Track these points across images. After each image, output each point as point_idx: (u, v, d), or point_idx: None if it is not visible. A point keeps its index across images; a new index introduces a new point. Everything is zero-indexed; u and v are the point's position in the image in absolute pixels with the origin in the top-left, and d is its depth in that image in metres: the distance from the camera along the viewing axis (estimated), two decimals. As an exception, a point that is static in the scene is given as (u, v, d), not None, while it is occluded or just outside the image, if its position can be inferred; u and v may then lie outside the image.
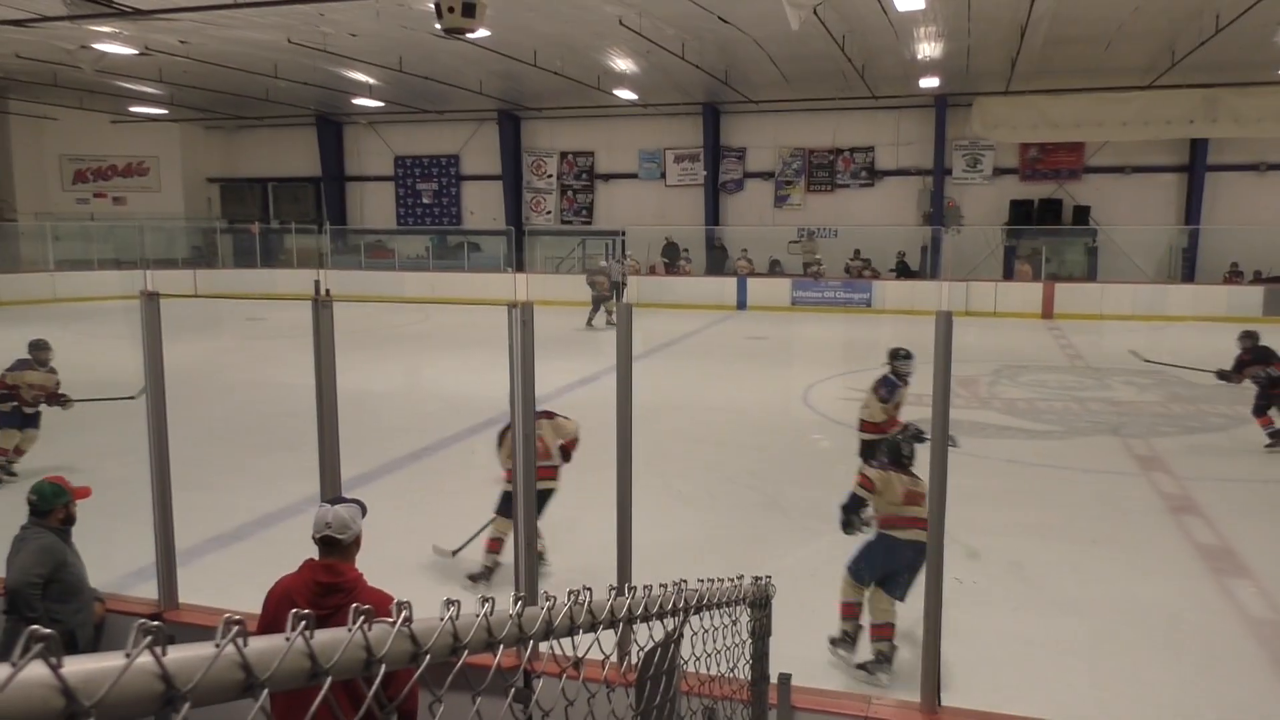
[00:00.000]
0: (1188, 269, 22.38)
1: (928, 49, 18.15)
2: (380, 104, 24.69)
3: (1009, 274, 23.16)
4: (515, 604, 1.25)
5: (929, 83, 21.00)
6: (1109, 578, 6.29)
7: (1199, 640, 5.38)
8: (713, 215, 25.64)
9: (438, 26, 12.39)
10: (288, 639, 0.83)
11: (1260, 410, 9.71)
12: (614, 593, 1.59)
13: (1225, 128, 21.33)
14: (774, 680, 2.93)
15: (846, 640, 5.07)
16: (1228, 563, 6.52)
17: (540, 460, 5.48)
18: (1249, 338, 9.85)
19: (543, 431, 6.04)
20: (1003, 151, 23.76)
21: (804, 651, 4.98)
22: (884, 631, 4.91)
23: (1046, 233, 23.15)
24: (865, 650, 4.97)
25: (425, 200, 28.75)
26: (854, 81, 20.68)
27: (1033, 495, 8.28)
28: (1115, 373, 14.11)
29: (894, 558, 4.87)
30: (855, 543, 5.28)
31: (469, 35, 13.29)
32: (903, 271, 23.69)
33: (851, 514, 5.38)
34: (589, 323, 19.56)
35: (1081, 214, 23.22)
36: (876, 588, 4.98)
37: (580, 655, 1.48)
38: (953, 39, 17.40)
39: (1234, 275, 21.71)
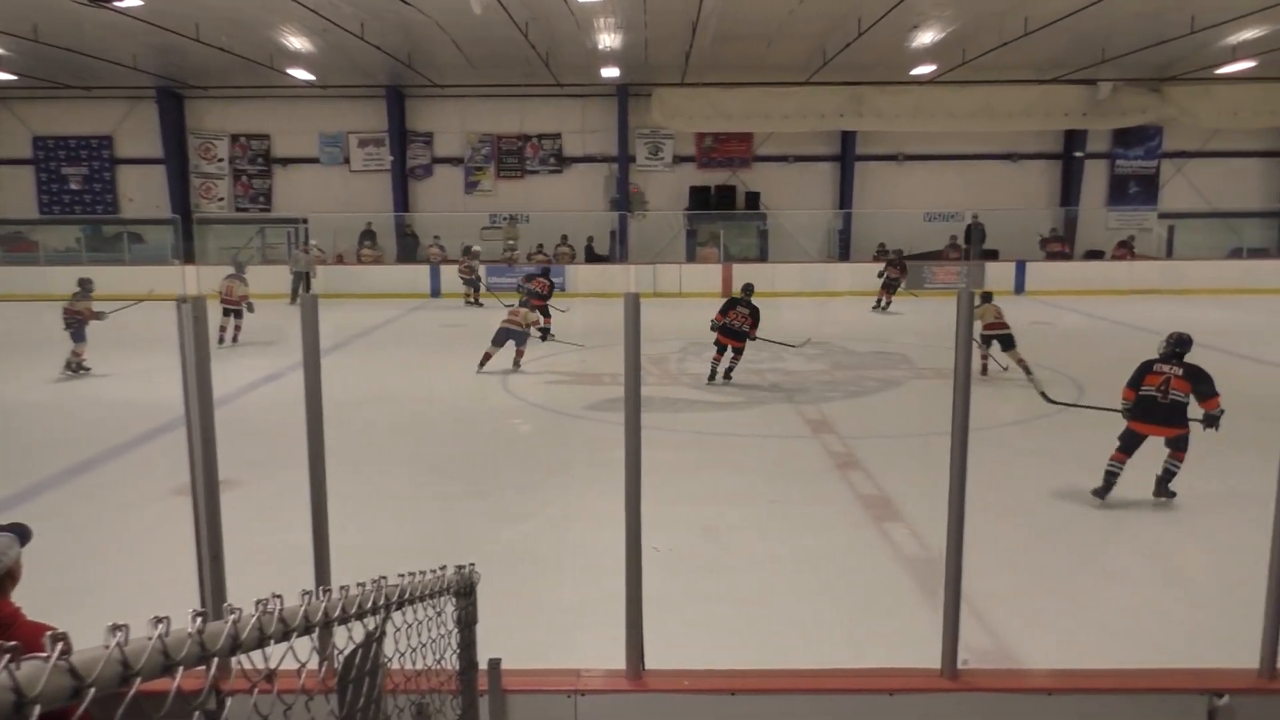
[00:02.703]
0: (844, 249, 24.82)
1: (608, 39, 18.75)
2: (12, 77, 21.75)
3: (692, 256, 24.52)
4: (195, 620, 1.16)
5: (610, 72, 21.71)
6: (787, 533, 6.87)
7: (864, 580, 6.02)
8: (402, 202, 25.02)
9: (78, -8, 11.12)
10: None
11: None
12: (308, 597, 1.51)
13: (869, 121, 23.85)
14: (484, 666, 2.93)
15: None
16: (885, 510, 7.32)
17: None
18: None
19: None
20: (681, 140, 25.08)
21: (515, 634, 5.02)
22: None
23: (723, 217, 24.75)
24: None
25: (74, 186, 25.65)
26: (539, 69, 20.98)
27: (721, 462, 8.85)
28: (785, 346, 15.36)
29: None
30: (554, 525, 5.37)
31: (117, 4, 12.05)
32: (590, 256, 24.41)
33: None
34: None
35: (753, 199, 25.04)
36: None
37: (274, 667, 1.40)
38: (631, 31, 18.09)
39: (880, 254, 24.32)
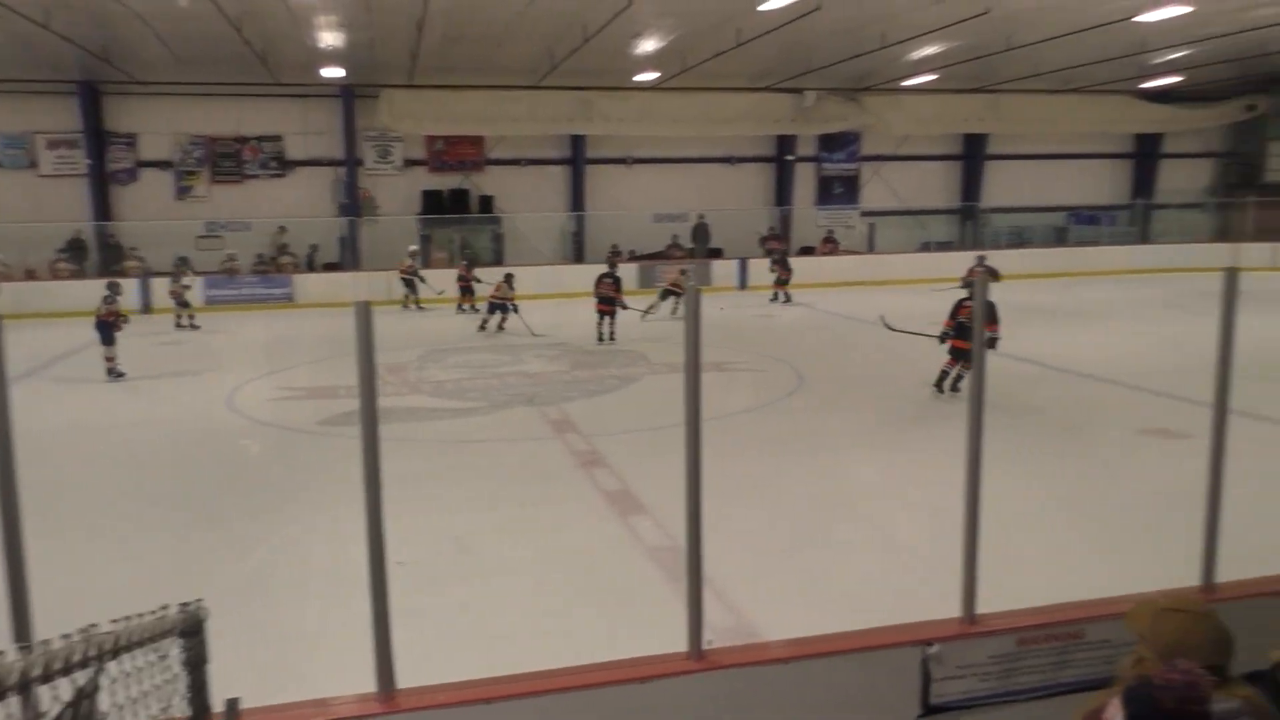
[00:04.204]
0: (577, 251, 25.24)
1: (330, 38, 18.00)
2: None
3: (428, 262, 24.02)
4: None
5: (333, 72, 20.87)
6: (536, 534, 6.91)
7: (614, 574, 6.17)
8: (102, 209, 22.76)
9: None
10: None
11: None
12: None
13: (598, 125, 24.40)
14: (221, 708, 2.73)
15: None
16: (629, 503, 7.52)
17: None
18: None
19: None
20: (411, 143, 24.51)
21: (256, 668, 4.73)
22: None
23: (457, 221, 24.46)
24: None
25: None
26: (256, 67, 19.77)
27: (466, 470, 8.76)
28: (526, 348, 15.44)
29: None
30: (293, 549, 5.10)
31: None
32: (316, 264, 23.33)
33: None
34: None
35: (487, 203, 24.93)
36: None
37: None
38: (354, 29, 17.46)
39: (614, 254, 24.95)
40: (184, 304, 18.87)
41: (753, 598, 5.62)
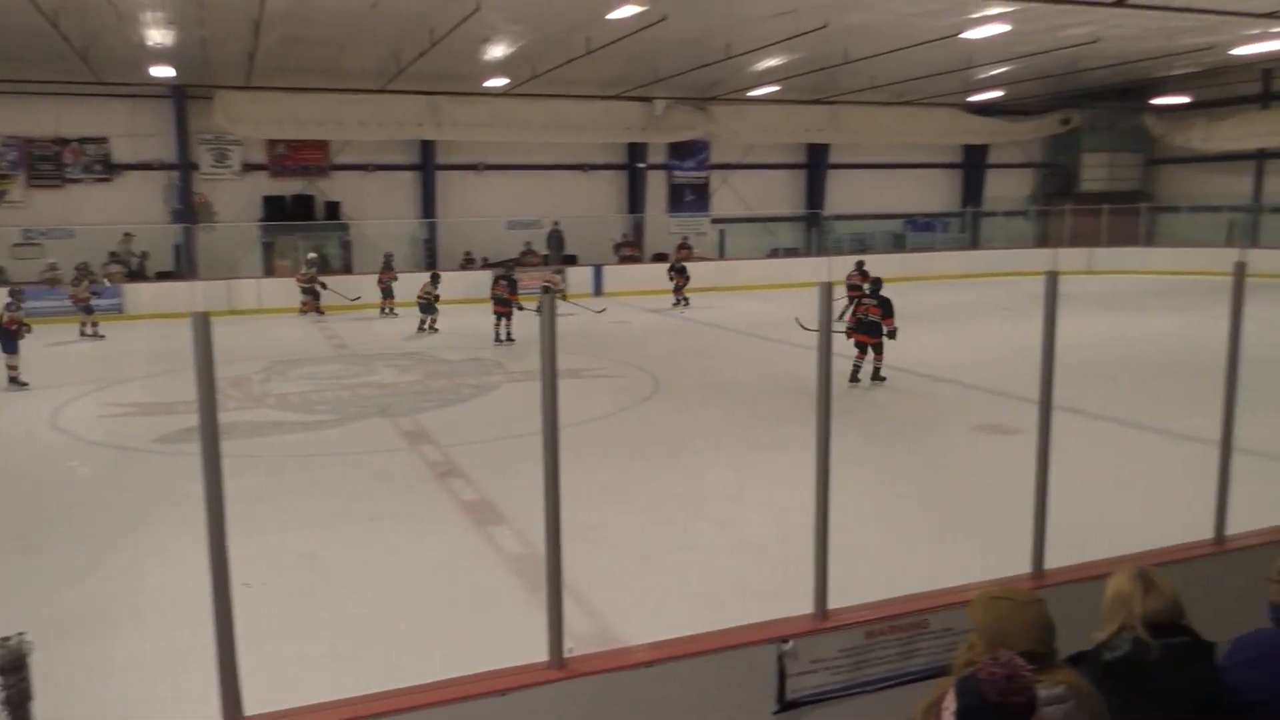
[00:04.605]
0: (430, 258, 24.78)
1: (159, 36, 17.09)
2: None
3: (270, 270, 23.13)
4: None
5: (163, 72, 19.84)
6: (392, 549, 6.74)
7: (474, 586, 6.07)
8: (-99, 215, 20.92)
9: None
10: None
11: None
12: None
13: (448, 131, 24.03)
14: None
15: None
16: (488, 513, 7.44)
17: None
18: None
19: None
20: (251, 147, 23.52)
21: (90, 703, 4.45)
22: None
23: (302, 228, 23.62)
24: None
25: None
26: (76, 65, 18.55)
27: (315, 485, 8.45)
28: (379, 358, 15.08)
29: None
30: (127, 574, 4.81)
31: None
32: (145, 273, 22.11)
33: None
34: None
35: (333, 209, 24.18)
36: None
37: None
38: (185, 28, 16.64)
39: (468, 262, 24.65)
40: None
41: (614, 603, 5.64)
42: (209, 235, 22.90)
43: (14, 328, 12.86)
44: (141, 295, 20.83)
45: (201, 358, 2.60)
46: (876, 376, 12.20)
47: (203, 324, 2.60)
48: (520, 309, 16.52)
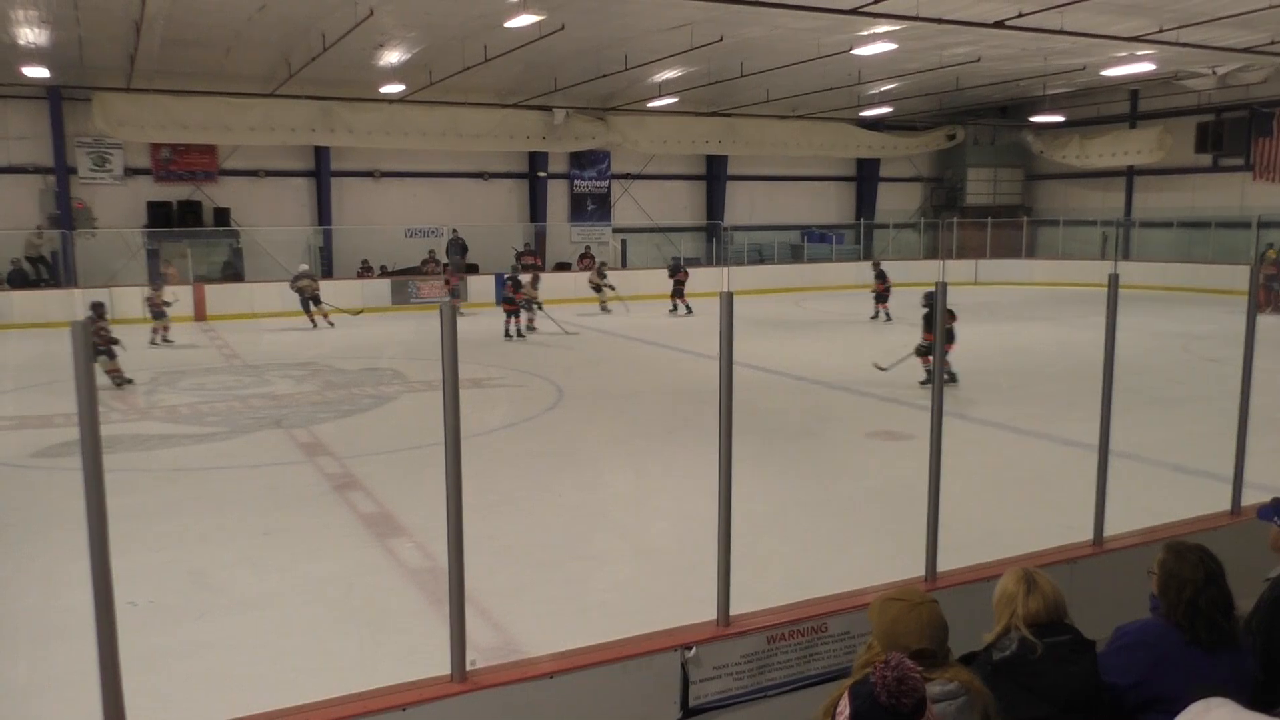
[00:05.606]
0: (326, 266, 24.22)
1: (31, 34, 16.30)
2: None
3: (154, 278, 22.23)
4: None
5: (37, 72, 18.92)
6: (287, 564, 6.54)
7: (373, 600, 5.94)
8: None
9: None
10: None
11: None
12: None
13: (341, 137, 23.55)
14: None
15: None
16: (388, 526, 7.29)
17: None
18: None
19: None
20: (133, 151, 22.61)
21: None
22: None
23: (189, 235, 22.80)
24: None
25: None
26: (-61, 61, 17.60)
27: (205, 499, 8.15)
28: (272, 368, 14.64)
29: None
30: None
31: None
32: (16, 281, 21.02)
33: None
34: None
35: (223, 216, 23.41)
36: None
37: None
38: (61, 27, 15.93)
39: (365, 270, 24.18)
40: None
41: (517, 614, 5.60)
42: (88, 241, 21.91)
43: None
44: (11, 304, 19.80)
45: (82, 368, 2.50)
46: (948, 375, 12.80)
47: (83, 333, 2.49)
48: (524, 307, 18.10)
